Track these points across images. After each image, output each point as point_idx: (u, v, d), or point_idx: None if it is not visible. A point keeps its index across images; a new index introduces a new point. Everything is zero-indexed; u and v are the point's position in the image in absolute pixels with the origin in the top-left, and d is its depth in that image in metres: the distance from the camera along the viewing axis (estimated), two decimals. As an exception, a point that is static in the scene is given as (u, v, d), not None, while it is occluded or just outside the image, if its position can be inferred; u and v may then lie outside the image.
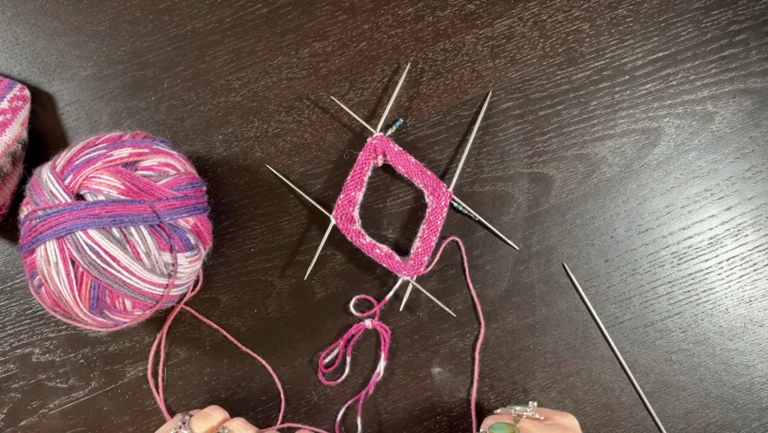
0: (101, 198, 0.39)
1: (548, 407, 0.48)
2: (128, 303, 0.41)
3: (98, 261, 0.38)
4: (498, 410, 0.45)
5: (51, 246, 0.39)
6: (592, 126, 0.50)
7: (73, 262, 0.39)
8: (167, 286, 0.42)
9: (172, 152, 0.44)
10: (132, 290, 0.40)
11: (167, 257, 0.41)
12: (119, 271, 0.39)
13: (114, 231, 0.39)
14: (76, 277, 0.39)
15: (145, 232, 0.40)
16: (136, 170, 0.41)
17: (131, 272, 0.39)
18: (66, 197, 0.39)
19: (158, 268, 0.40)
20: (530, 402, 0.44)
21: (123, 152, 0.41)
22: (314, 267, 0.49)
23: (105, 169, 0.40)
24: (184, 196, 0.42)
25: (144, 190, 0.40)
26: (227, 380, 0.50)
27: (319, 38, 0.51)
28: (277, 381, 0.49)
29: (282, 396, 0.49)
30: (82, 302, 0.40)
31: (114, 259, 0.39)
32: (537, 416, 0.42)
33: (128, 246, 0.39)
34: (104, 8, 0.51)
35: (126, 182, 0.40)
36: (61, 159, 0.41)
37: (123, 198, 0.39)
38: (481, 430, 0.42)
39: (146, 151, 0.42)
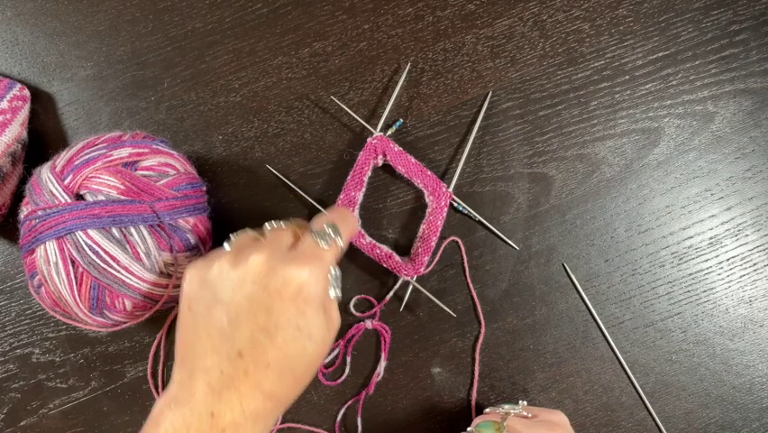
0: (101, 198, 0.39)
1: (549, 407, 0.48)
2: (128, 303, 0.41)
3: (98, 261, 0.38)
4: (488, 410, 0.45)
5: (51, 246, 0.39)
6: (592, 126, 0.50)
7: (73, 262, 0.39)
8: (167, 286, 0.42)
9: (172, 152, 0.44)
10: (132, 290, 0.40)
11: (167, 257, 0.41)
12: (119, 271, 0.39)
13: (114, 231, 0.39)
14: (76, 277, 0.39)
15: (145, 232, 0.40)
16: (136, 170, 0.41)
17: (131, 272, 0.39)
18: (66, 197, 0.39)
19: (158, 268, 0.40)
20: (520, 401, 0.44)
21: (122, 152, 0.41)
22: (314, 267, 0.48)
23: (105, 169, 0.40)
24: (184, 196, 0.42)
25: (144, 190, 0.40)
26: (227, 380, 0.50)
27: (319, 38, 0.51)
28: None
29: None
30: (82, 302, 0.40)
31: (113, 259, 0.39)
32: (525, 414, 0.43)
33: (128, 246, 0.39)
34: (104, 8, 0.51)
35: (126, 182, 0.40)
36: (61, 159, 0.41)
37: (122, 198, 0.39)
38: (468, 429, 0.43)
39: (146, 151, 0.42)
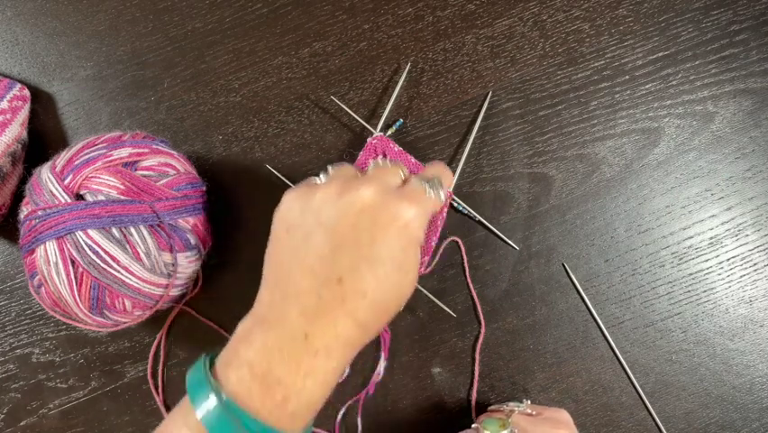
0: (101, 198, 0.39)
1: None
2: (128, 303, 0.41)
3: (98, 261, 0.38)
4: (492, 407, 0.46)
5: (51, 246, 0.39)
6: (592, 126, 0.50)
7: (73, 262, 0.39)
8: (167, 286, 0.42)
9: (172, 152, 0.44)
10: (132, 290, 0.40)
11: (167, 257, 0.41)
12: (119, 271, 0.39)
13: (114, 231, 0.39)
14: (76, 277, 0.39)
15: (145, 232, 0.40)
16: (136, 170, 0.41)
17: (131, 272, 0.39)
18: (66, 197, 0.39)
19: (158, 268, 0.40)
20: (524, 400, 0.45)
21: (122, 152, 0.41)
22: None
23: (105, 169, 0.40)
24: (184, 196, 0.42)
25: (144, 190, 0.40)
26: (227, 380, 0.50)
27: (319, 38, 0.51)
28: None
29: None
30: (82, 302, 0.40)
31: (113, 259, 0.39)
32: (530, 411, 0.43)
33: (128, 246, 0.39)
34: (104, 8, 0.51)
35: (126, 182, 0.40)
36: (61, 159, 0.41)
37: (122, 198, 0.39)
38: (473, 426, 0.43)
39: (146, 151, 0.42)
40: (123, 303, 0.41)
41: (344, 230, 0.33)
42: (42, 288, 0.41)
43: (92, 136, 0.43)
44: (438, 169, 0.39)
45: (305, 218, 0.34)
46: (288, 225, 0.35)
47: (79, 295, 0.39)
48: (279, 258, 0.35)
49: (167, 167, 0.43)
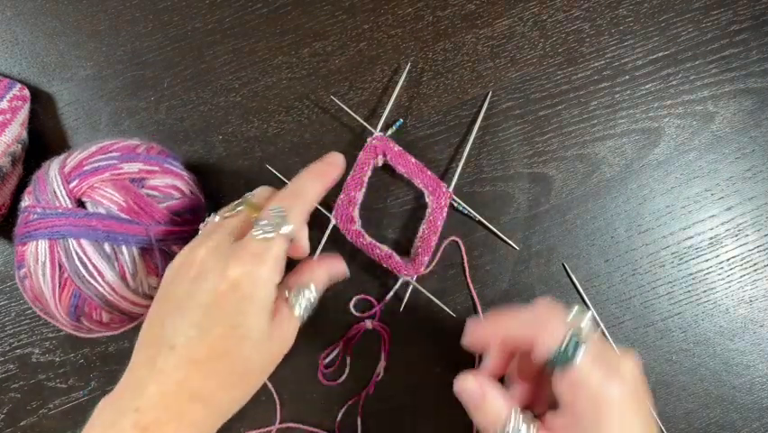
0: (101, 210, 0.39)
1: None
2: (105, 316, 0.41)
3: (84, 272, 0.38)
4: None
5: (43, 245, 0.39)
6: (592, 126, 0.50)
7: (60, 267, 0.39)
8: (147, 306, 0.41)
9: (183, 173, 0.44)
10: (112, 305, 0.40)
11: (152, 281, 0.41)
12: (102, 286, 0.39)
13: (106, 246, 0.39)
14: (60, 281, 0.39)
15: (136, 253, 0.39)
16: (142, 187, 0.41)
17: (113, 289, 0.39)
18: (67, 200, 0.39)
19: (141, 290, 0.40)
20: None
21: (133, 167, 0.41)
22: (314, 267, 0.48)
23: (112, 182, 0.40)
24: (183, 222, 0.42)
25: (144, 210, 0.40)
26: (227, 380, 0.50)
27: (319, 38, 0.51)
28: (269, 384, 0.49)
29: (276, 397, 0.49)
30: (61, 306, 0.39)
31: (99, 273, 0.38)
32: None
33: (116, 264, 0.39)
34: (104, 8, 0.51)
35: (129, 200, 0.39)
36: (72, 159, 0.41)
37: (122, 215, 0.39)
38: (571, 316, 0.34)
39: (156, 169, 0.42)
40: (101, 315, 0.40)
41: (180, 297, 0.34)
42: (27, 281, 0.40)
43: (107, 141, 0.42)
44: (288, 193, 0.36)
45: (162, 288, 0.36)
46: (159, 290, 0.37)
47: (60, 299, 0.39)
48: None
49: (173, 189, 0.42)
